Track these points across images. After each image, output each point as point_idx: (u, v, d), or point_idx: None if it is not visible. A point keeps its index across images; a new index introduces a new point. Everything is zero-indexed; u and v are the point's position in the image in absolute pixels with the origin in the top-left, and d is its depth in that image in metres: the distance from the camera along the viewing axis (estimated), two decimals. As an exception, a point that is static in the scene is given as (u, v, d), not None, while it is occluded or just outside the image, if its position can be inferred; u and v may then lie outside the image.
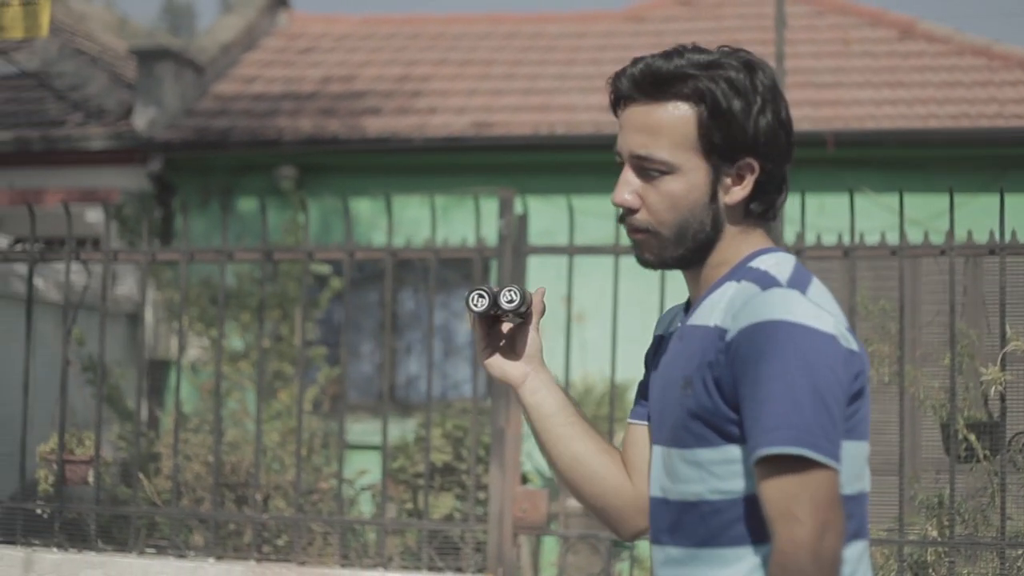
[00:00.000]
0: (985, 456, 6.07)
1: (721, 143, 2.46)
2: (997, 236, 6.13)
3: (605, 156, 11.30)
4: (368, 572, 6.40)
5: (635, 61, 2.52)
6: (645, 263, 2.56)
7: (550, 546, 8.92)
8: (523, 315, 2.73)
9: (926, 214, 7.21)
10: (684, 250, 2.51)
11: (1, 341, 8.35)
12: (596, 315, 9.52)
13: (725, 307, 2.43)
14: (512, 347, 2.75)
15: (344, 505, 6.70)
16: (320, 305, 9.90)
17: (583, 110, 11.90)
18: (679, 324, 2.60)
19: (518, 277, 6.57)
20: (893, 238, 7.25)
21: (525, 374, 2.74)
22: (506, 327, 2.77)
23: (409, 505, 7.16)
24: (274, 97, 12.77)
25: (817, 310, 2.36)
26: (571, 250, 6.62)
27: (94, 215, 11.32)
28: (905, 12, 14.02)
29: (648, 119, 2.48)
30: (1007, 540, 5.84)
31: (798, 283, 2.43)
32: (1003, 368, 5.98)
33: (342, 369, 6.69)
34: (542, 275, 7.85)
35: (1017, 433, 6.01)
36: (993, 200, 6.34)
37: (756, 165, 2.48)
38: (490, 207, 9.32)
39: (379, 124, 11.88)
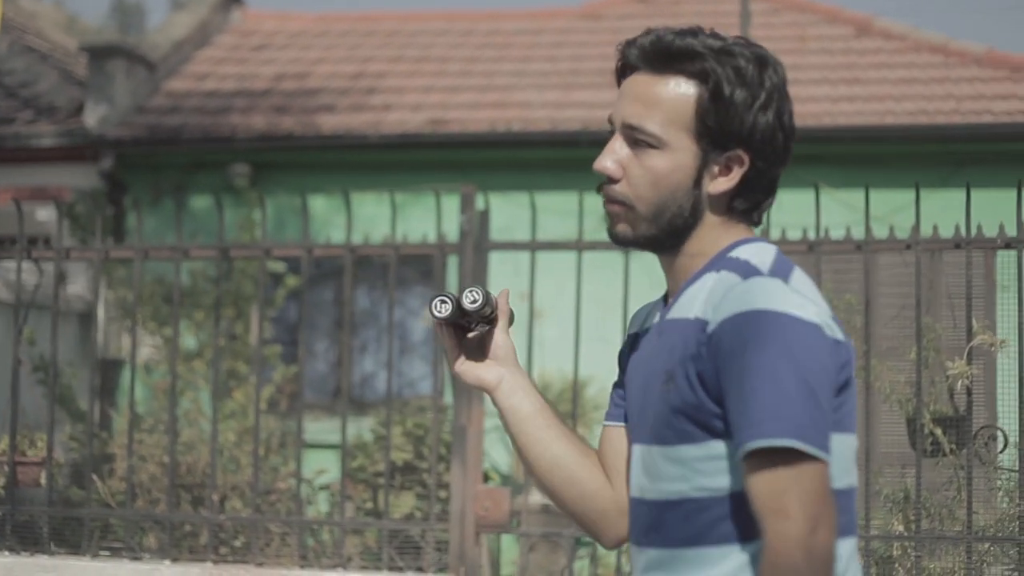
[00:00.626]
0: (951, 450, 6.04)
1: (715, 129, 2.38)
2: (962, 230, 6.09)
3: (562, 153, 11.31)
4: (327, 573, 6.30)
5: (648, 31, 2.46)
6: (616, 236, 2.47)
7: (508, 544, 8.83)
8: (489, 320, 2.65)
9: (884, 210, 7.17)
10: (658, 230, 2.43)
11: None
12: (554, 313, 9.45)
13: (705, 298, 2.36)
14: (483, 352, 2.68)
15: (302, 505, 6.59)
16: (275, 303, 9.79)
17: (539, 107, 11.84)
18: (656, 319, 2.53)
19: (480, 274, 6.49)
20: (854, 234, 7.21)
21: (500, 377, 2.66)
22: (474, 335, 2.70)
23: (369, 504, 7.06)
24: (227, 94, 12.64)
25: (801, 299, 2.29)
26: (533, 246, 6.54)
27: (45, 213, 11.16)
28: (861, 9, 14.03)
29: (648, 90, 2.42)
30: (973, 534, 5.80)
31: (780, 272, 2.35)
32: (969, 362, 5.94)
33: (299, 367, 6.58)
34: (503, 271, 7.78)
35: (983, 427, 5.97)
36: (950, 196, 6.32)
37: (746, 159, 2.40)
38: (448, 204, 9.24)
39: (334, 121, 11.77)
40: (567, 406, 9.79)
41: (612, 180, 2.44)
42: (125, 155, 11.68)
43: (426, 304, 11.26)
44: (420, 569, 6.37)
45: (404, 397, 10.69)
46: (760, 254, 2.40)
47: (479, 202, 7.08)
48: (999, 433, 5.94)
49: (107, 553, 6.69)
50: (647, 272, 7.09)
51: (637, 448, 2.47)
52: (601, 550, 9.27)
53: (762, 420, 2.18)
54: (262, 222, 6.82)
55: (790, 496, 2.17)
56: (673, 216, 2.42)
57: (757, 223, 2.52)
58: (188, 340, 9.66)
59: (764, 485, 2.19)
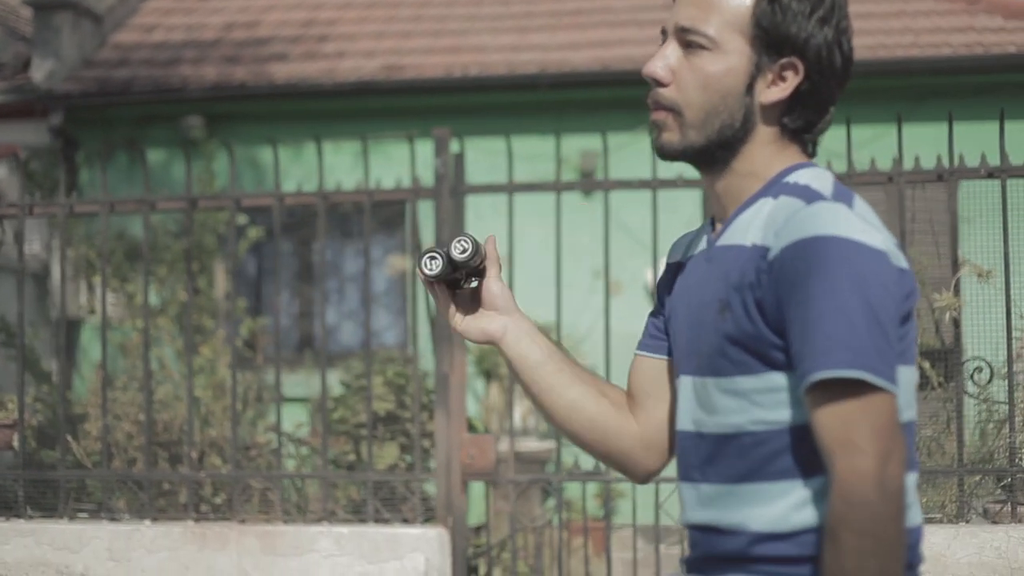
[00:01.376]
0: (940, 383, 6.00)
1: (771, 32, 2.30)
2: (945, 162, 6.03)
3: (520, 96, 11.17)
4: (312, 527, 6.21)
5: None
6: (662, 146, 2.38)
7: (477, 491, 8.78)
8: (479, 271, 2.55)
9: (845, 146, 7.11)
10: (706, 140, 2.33)
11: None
12: (528, 258, 9.36)
13: (763, 224, 2.27)
14: (479, 304, 2.58)
15: (283, 459, 6.48)
16: (238, 256, 9.64)
17: (495, 50, 11.69)
18: (703, 246, 2.44)
19: (457, 218, 6.37)
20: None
21: (504, 327, 2.56)
22: (466, 288, 2.60)
23: (351, 456, 6.97)
24: (176, 46, 12.40)
25: (865, 225, 2.20)
26: (510, 188, 6.43)
27: (-3, 172, 10.94)
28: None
29: None
30: (965, 467, 5.77)
31: (842, 197, 2.27)
32: (956, 294, 5.90)
33: (274, 319, 6.46)
34: (477, 217, 7.67)
35: (971, 358, 5.94)
36: (909, 130, 6.25)
37: (801, 69, 2.32)
38: (405, 151, 9.10)
39: (287, 70, 11.58)
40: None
41: (660, 85, 2.35)
42: (75, 110, 11.46)
43: (392, 256, 11.21)
44: (406, 520, 6.29)
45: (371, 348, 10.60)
46: (819, 178, 2.32)
47: (453, 146, 6.96)
48: (984, 364, 5.90)
49: (84, 515, 6.56)
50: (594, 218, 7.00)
51: (687, 380, 2.39)
52: (570, 495, 9.24)
53: (828, 351, 2.11)
54: (230, 172, 6.67)
55: (860, 429, 2.09)
56: (723, 125, 2.33)
57: (812, 155, 2.43)
58: (150, 296, 9.49)
59: (831, 418, 2.12)
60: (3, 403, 6.70)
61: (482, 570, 6.55)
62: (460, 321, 2.57)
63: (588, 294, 9.89)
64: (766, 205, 2.30)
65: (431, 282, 2.54)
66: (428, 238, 7.59)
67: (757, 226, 2.28)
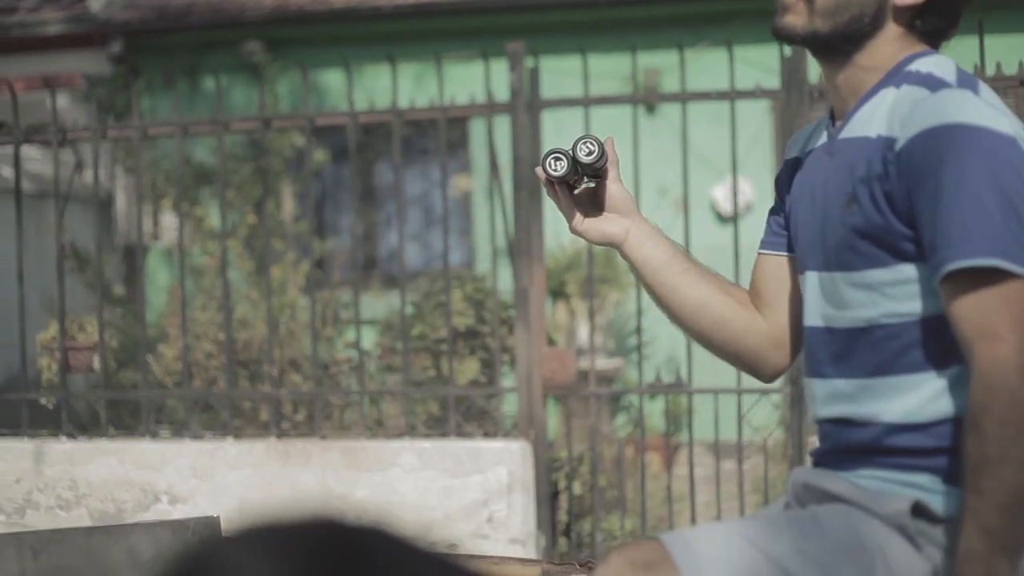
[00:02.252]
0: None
1: None
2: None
3: (585, 15, 11.07)
4: (395, 442, 6.23)
5: None
6: (783, 29, 2.33)
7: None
8: (598, 173, 2.52)
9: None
10: (832, 30, 2.29)
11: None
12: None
13: (888, 114, 2.23)
14: (597, 206, 2.55)
15: (363, 376, 6.50)
16: (304, 179, 9.63)
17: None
18: (823, 140, 2.40)
19: (534, 134, 6.34)
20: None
21: (626, 229, 2.53)
22: (583, 191, 2.57)
23: (432, 372, 6.99)
24: (233, -29, 12.34)
25: (993, 111, 2.17)
26: (586, 101, 6.38)
27: (60, 100, 10.94)
28: None
29: None
30: None
31: (968, 83, 2.23)
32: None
33: (355, 240, 6.47)
34: (553, 133, 7.63)
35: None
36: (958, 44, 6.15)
37: None
38: (468, 73, 9.06)
39: (345, -7, 11.51)
40: (602, 270, 9.73)
41: None
42: (134, 38, 11.45)
43: (456, 176, 11.18)
44: (487, 434, 6.31)
45: (432, 269, 10.59)
46: (942, 66, 2.28)
47: (527, 62, 6.90)
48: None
49: (167, 434, 6.61)
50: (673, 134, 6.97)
51: (813, 275, 2.37)
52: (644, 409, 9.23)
53: (962, 239, 2.08)
54: (301, 92, 6.65)
55: (1000, 317, 2.07)
56: (853, 18, 2.29)
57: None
58: (218, 220, 9.51)
59: (970, 308, 2.09)
60: (83, 325, 6.74)
61: (562, 484, 6.57)
62: (580, 223, 2.55)
63: (653, 212, 9.85)
64: (889, 95, 2.27)
65: (551, 182, 2.52)
66: (504, 156, 7.55)
67: (881, 117, 2.25)
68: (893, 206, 2.19)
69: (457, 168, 11.05)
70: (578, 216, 2.54)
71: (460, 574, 0.84)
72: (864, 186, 2.22)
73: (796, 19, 2.32)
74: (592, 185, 2.55)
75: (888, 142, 2.20)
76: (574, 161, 2.46)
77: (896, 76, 2.28)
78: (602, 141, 2.48)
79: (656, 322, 9.39)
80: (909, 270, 2.21)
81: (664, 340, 9.56)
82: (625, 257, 2.56)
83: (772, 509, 2.43)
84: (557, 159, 2.46)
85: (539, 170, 2.48)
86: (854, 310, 2.28)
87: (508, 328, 6.73)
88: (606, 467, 7.41)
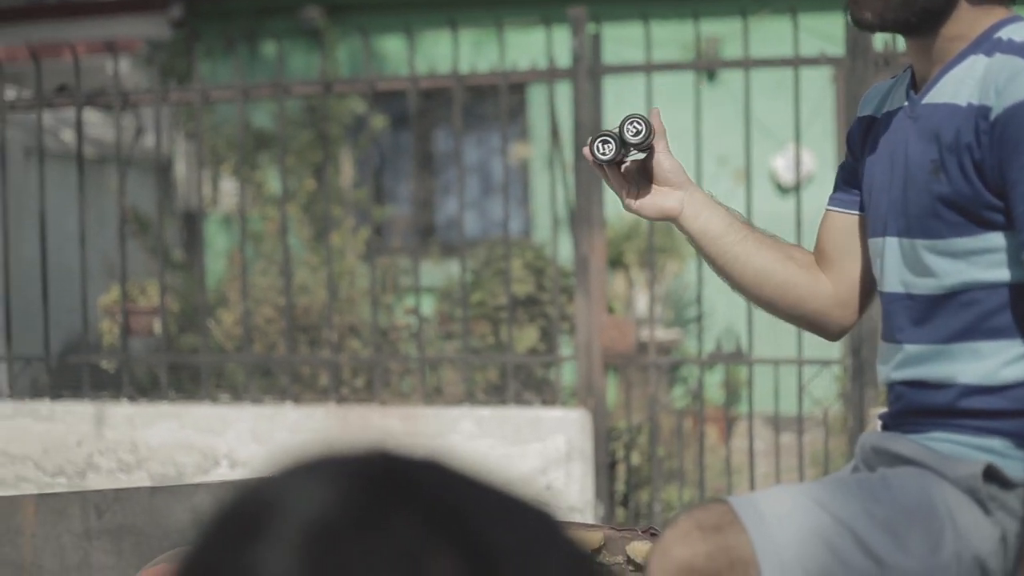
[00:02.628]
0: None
1: None
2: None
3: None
4: (454, 409, 6.23)
5: None
6: (861, 19, 2.29)
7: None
8: (647, 147, 2.49)
9: None
10: (909, 14, 2.26)
11: (41, 201, 8.09)
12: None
13: (979, 83, 2.19)
14: (648, 178, 2.52)
15: (422, 343, 6.50)
16: (361, 145, 9.64)
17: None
18: (903, 103, 2.36)
19: (595, 101, 6.29)
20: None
21: (681, 202, 2.49)
22: (632, 166, 2.54)
23: (491, 340, 6.98)
24: (293, -64, 12.33)
25: None
26: (648, 67, 6.33)
27: (122, 65, 10.99)
28: None
29: None
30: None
31: None
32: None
33: (414, 207, 6.46)
34: (615, 102, 7.58)
35: None
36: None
37: None
38: (525, 40, 9.01)
39: (405, -41, 11.48)
40: (660, 240, 9.67)
41: None
42: (194, 3, 11.46)
43: (514, 144, 11.16)
44: (546, 402, 6.29)
45: (491, 237, 10.58)
46: None
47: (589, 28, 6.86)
48: None
49: (227, 398, 6.63)
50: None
51: (892, 241, 2.33)
52: (696, 379, 9.19)
53: None
54: (361, 57, 6.64)
55: None
56: (927, 1, 2.26)
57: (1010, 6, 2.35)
58: (277, 186, 9.54)
59: None
60: (144, 289, 6.77)
61: (620, 453, 6.55)
62: (634, 201, 2.52)
63: (712, 182, 9.78)
64: (979, 63, 2.23)
65: (599, 166, 2.49)
66: (564, 123, 7.52)
67: (971, 85, 2.21)
68: (983, 176, 2.16)
69: (516, 135, 11.02)
70: (631, 194, 2.51)
71: (517, 504, 0.82)
72: (952, 155, 2.19)
73: (869, 12, 2.28)
74: (640, 157, 2.52)
75: (981, 111, 2.17)
76: (621, 141, 2.44)
77: (985, 43, 2.25)
78: (648, 118, 2.45)
79: (715, 292, 9.32)
80: (995, 238, 2.18)
81: (723, 311, 9.49)
82: (682, 230, 2.53)
83: (840, 473, 2.41)
84: (605, 142, 2.44)
85: (586, 152, 2.45)
86: (937, 277, 2.25)
87: (568, 296, 6.71)
88: (665, 438, 7.39)
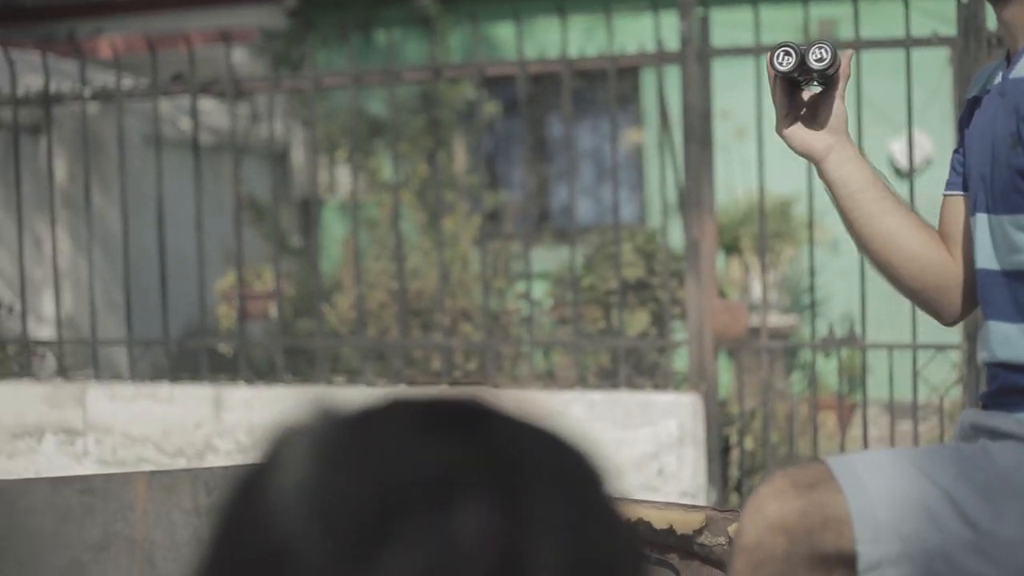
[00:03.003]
0: None
1: None
2: None
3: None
4: (565, 393, 6.24)
5: None
6: None
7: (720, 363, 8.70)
8: (828, 80, 2.46)
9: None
10: None
11: (159, 188, 8.25)
12: (767, 128, 9.20)
13: None
14: (813, 117, 2.50)
15: (533, 327, 6.52)
16: (474, 131, 9.68)
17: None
18: (998, 80, 2.33)
19: (704, 84, 6.26)
20: None
21: (829, 147, 2.47)
22: (806, 95, 2.52)
23: (602, 324, 6.99)
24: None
25: None
26: (758, 50, 6.28)
27: (236, 55, 11.14)
28: None
29: None
30: None
31: None
32: None
33: (526, 193, 6.48)
34: (724, 86, 7.53)
35: None
36: None
37: None
38: (632, 26, 8.98)
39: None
40: (776, 225, 9.59)
41: None
42: (309, -7, 11.58)
43: (627, 129, 11.16)
44: (657, 387, 6.28)
45: (604, 224, 10.57)
46: None
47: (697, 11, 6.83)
48: None
49: (341, 381, 6.71)
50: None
51: (983, 217, 2.30)
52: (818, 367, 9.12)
53: None
54: (471, 44, 6.67)
55: None
56: None
57: None
58: (392, 172, 9.61)
59: None
60: (260, 274, 6.87)
61: (733, 439, 6.52)
62: (789, 127, 2.50)
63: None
64: None
65: (776, 77, 2.47)
66: (674, 108, 7.50)
67: None
68: None
69: (629, 121, 10.98)
70: (789, 119, 2.50)
71: (574, 474, 0.82)
72: None
73: None
74: (818, 91, 2.49)
75: None
76: (802, 63, 2.41)
77: None
78: (837, 51, 2.43)
79: (831, 279, 9.28)
80: None
81: (839, 297, 9.39)
82: (822, 175, 2.51)
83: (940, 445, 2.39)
84: (787, 53, 2.41)
85: (767, 60, 2.43)
86: (1019, 253, 2.22)
87: (679, 281, 6.69)
88: (779, 423, 7.34)
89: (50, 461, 6.56)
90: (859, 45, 6.16)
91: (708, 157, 6.23)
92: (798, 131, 2.49)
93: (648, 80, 10.72)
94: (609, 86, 6.38)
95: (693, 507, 3.02)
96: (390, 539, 0.72)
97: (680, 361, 6.76)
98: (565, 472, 0.79)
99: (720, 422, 6.18)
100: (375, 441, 0.76)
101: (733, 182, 9.54)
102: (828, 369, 9.31)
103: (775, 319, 9.23)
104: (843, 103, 2.48)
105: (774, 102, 2.50)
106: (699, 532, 2.90)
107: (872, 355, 6.41)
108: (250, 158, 9.17)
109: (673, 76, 7.50)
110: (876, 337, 6.24)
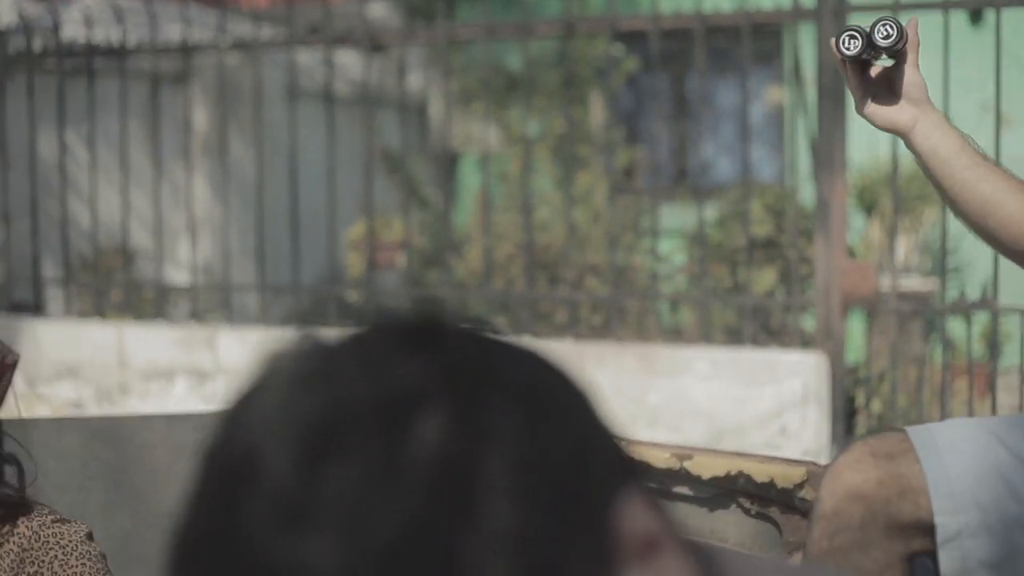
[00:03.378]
0: None
1: None
2: None
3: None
4: (689, 349, 6.21)
5: None
6: None
7: (854, 327, 8.58)
8: (896, 53, 2.42)
9: None
10: None
11: (293, 139, 8.36)
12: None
13: None
14: (890, 90, 2.45)
15: (659, 283, 6.50)
16: (611, 86, 9.63)
17: None
18: None
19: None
20: None
21: (914, 118, 2.41)
22: (875, 71, 2.48)
23: (729, 282, 6.94)
24: None
25: None
26: (896, 6, 6.15)
27: (377, 8, 11.21)
28: None
29: None
30: None
31: None
32: None
33: (666, 148, 6.44)
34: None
35: None
36: None
37: None
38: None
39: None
40: (919, 186, 9.41)
41: None
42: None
43: (768, 87, 11.01)
44: (783, 346, 6.22)
45: (744, 181, 10.48)
46: None
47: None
48: None
49: (467, 332, 6.74)
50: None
51: None
52: (954, 334, 8.95)
53: None
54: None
55: None
56: None
57: None
58: (528, 127, 9.61)
59: None
60: (389, 224, 6.93)
61: (860, 400, 6.43)
62: (868, 106, 2.47)
63: (975, 127, 9.46)
64: None
65: (843, 61, 2.45)
66: (808, 66, 7.39)
67: None
68: None
69: (770, 78, 10.85)
70: (867, 100, 2.46)
71: (567, 384, 0.82)
72: None
73: None
74: (888, 64, 2.46)
75: None
76: (870, 42, 2.39)
77: None
78: (902, 25, 2.39)
79: (975, 242, 9.01)
80: None
81: (983, 261, 9.21)
82: (911, 147, 2.47)
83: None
84: (852, 37, 2.39)
85: (832, 45, 2.41)
86: None
87: (807, 239, 6.61)
88: (908, 387, 7.22)
89: (181, 403, 6.71)
90: (1000, 2, 6.01)
91: (841, 115, 6.13)
92: (879, 109, 2.44)
93: (791, 37, 10.59)
94: (743, 42, 6.31)
95: (795, 462, 2.99)
96: (337, 452, 0.75)
97: (807, 321, 6.69)
98: (534, 388, 0.79)
99: (846, 383, 6.10)
100: (341, 363, 0.79)
101: (875, 141, 9.39)
102: (963, 333, 9.14)
103: (914, 282, 9.07)
104: (918, 72, 2.44)
105: (848, 87, 2.47)
106: (800, 487, 2.87)
107: (1010, 321, 6.28)
108: (390, 111, 9.24)
109: (810, 33, 7.39)
110: (1015, 300, 6.09)
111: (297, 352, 0.82)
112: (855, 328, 8.59)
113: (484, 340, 0.81)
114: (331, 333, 0.84)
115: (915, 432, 2.10)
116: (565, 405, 0.80)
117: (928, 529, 2.04)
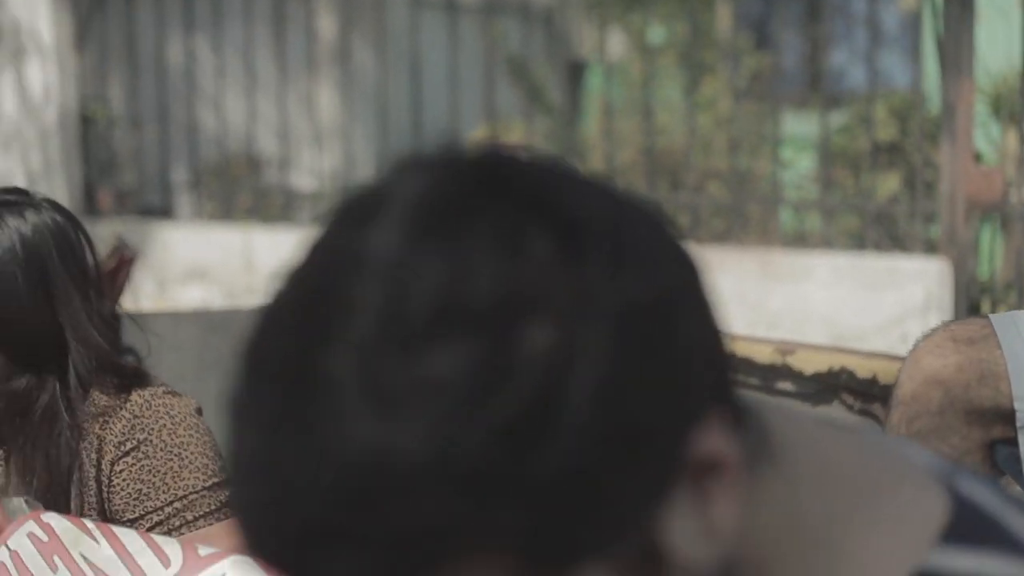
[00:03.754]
0: None
1: None
2: None
3: None
4: (811, 255, 6.15)
5: None
6: None
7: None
8: None
9: None
10: None
11: (416, 46, 8.38)
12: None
13: None
14: None
15: (782, 187, 6.43)
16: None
17: None
18: None
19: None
20: None
21: None
22: None
23: (852, 188, 6.84)
24: None
25: None
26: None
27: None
28: None
29: None
30: None
31: None
32: None
33: (797, 55, 6.36)
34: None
35: None
36: None
37: None
38: None
39: None
40: None
41: None
42: None
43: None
44: (906, 251, 6.14)
45: (876, 89, 10.29)
46: None
47: None
48: None
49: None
50: None
51: None
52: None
53: None
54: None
55: None
56: None
57: None
58: (656, 35, 9.52)
59: None
60: (510, 128, 6.94)
61: (985, 308, 6.31)
62: None
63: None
64: None
65: None
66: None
67: None
68: None
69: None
70: None
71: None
72: None
73: None
74: None
75: None
76: None
77: None
78: None
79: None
80: None
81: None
82: None
83: None
84: None
85: None
86: None
87: (933, 144, 6.48)
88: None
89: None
90: None
91: (968, 17, 5.99)
92: None
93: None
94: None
95: (898, 357, 2.96)
96: (436, 343, 0.72)
97: (934, 229, 6.58)
98: (653, 310, 0.77)
99: (968, 290, 6.00)
100: (455, 249, 0.74)
101: (1011, 49, 9.15)
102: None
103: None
104: None
105: None
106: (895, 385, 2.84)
107: None
108: (517, 18, 9.22)
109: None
110: None
111: (423, 187, 0.78)
112: (985, 237, 8.43)
113: (618, 240, 0.78)
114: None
115: (998, 318, 2.07)
116: (674, 323, 0.79)
117: (1008, 415, 2.02)
